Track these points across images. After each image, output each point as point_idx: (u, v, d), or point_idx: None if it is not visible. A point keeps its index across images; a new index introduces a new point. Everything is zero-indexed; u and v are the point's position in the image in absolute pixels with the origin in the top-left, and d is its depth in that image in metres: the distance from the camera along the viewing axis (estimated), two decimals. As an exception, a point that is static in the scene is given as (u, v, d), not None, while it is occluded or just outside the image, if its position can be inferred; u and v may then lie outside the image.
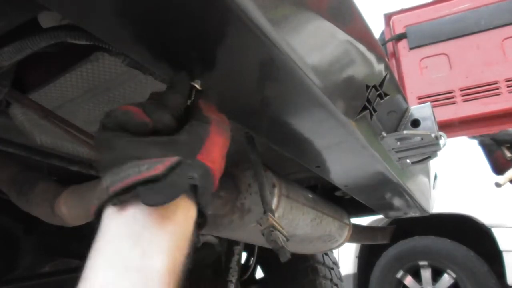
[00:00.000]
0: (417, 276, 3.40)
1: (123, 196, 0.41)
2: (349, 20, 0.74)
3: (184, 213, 0.45)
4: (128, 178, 0.41)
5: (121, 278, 0.37)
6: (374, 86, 0.85)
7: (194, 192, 0.46)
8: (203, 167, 0.47)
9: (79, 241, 1.76)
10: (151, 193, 0.41)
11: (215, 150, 0.50)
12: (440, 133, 0.99)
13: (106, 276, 0.38)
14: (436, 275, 3.32)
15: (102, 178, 0.44)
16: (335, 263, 2.33)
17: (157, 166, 0.42)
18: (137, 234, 0.40)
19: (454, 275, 3.19)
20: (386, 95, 0.90)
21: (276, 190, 1.03)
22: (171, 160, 0.43)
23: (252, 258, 2.21)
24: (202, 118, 0.52)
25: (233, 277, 1.85)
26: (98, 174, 1.21)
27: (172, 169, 0.42)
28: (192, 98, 0.55)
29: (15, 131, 0.96)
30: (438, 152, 1.05)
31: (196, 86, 0.56)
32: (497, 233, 3.15)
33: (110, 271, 0.38)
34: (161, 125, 0.49)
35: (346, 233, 1.51)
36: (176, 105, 0.52)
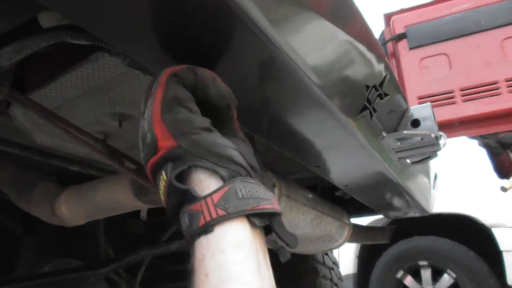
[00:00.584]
0: (417, 276, 3.40)
1: (257, 220, 0.45)
2: (349, 20, 0.74)
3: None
4: (265, 204, 0.46)
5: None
6: (374, 86, 0.85)
7: None
8: None
9: (79, 241, 1.76)
10: (282, 229, 0.48)
11: None
12: (440, 133, 0.99)
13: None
14: (436, 275, 3.32)
15: (221, 177, 0.46)
16: (335, 263, 2.33)
17: (274, 201, 0.48)
18: (259, 253, 0.45)
19: (454, 275, 3.19)
20: (386, 95, 0.90)
21: (276, 190, 1.03)
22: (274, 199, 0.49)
23: (252, 258, 2.21)
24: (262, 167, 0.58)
25: (233, 277, 1.84)
26: (98, 174, 1.21)
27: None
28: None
29: (15, 131, 0.96)
30: (438, 152, 1.05)
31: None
32: (497, 233, 3.15)
33: None
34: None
35: (346, 233, 1.51)
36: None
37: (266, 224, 0.45)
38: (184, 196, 0.44)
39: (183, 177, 0.45)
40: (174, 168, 0.45)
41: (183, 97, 0.48)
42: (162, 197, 0.47)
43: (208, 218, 0.41)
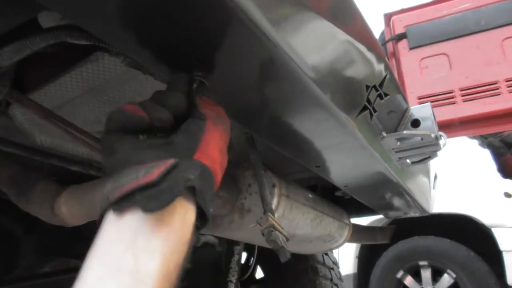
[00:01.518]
0: (417, 276, 3.40)
1: (122, 203, 0.42)
2: (349, 20, 0.74)
3: (182, 215, 0.45)
4: (127, 184, 0.42)
5: (112, 279, 0.38)
6: (374, 86, 0.85)
7: (193, 193, 0.46)
8: (200, 166, 0.47)
9: (79, 241, 1.76)
10: (148, 199, 0.41)
11: (212, 147, 0.50)
12: (440, 133, 0.99)
13: (98, 277, 0.38)
14: (436, 275, 3.32)
15: (104, 183, 0.45)
16: (335, 263, 2.33)
17: (153, 171, 0.42)
18: (132, 239, 0.41)
19: (454, 275, 3.19)
20: (386, 95, 0.90)
21: (276, 190, 1.03)
22: (166, 163, 0.43)
23: (252, 258, 2.21)
24: (198, 115, 0.52)
25: (233, 277, 1.85)
26: (98, 174, 1.21)
27: (167, 172, 0.42)
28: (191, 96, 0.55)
29: (15, 131, 0.96)
30: (438, 152, 1.05)
31: (195, 83, 0.55)
32: (497, 233, 3.15)
33: (102, 272, 0.39)
34: (158, 122, 0.49)
35: (346, 233, 1.51)
36: (175, 102, 0.52)
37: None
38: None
39: None
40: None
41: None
42: None
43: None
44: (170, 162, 0.43)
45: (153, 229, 0.42)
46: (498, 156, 1.01)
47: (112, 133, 0.49)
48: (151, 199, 0.41)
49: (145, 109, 0.49)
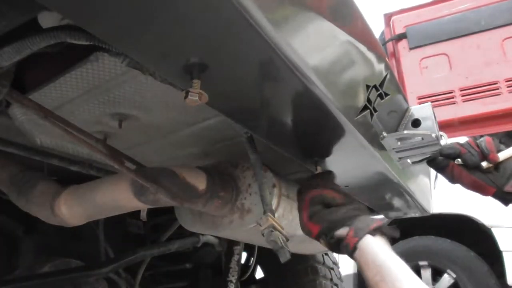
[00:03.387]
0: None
1: (375, 232, 0.80)
2: (350, 20, 0.74)
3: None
4: (375, 223, 0.80)
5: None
6: (375, 86, 0.85)
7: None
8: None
9: (79, 241, 1.76)
10: (387, 231, 0.83)
11: None
12: (441, 133, 0.99)
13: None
14: (436, 275, 3.32)
15: (346, 225, 0.80)
16: (335, 263, 2.33)
17: (378, 219, 0.82)
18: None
19: (454, 275, 3.19)
20: (386, 95, 0.90)
21: (276, 190, 1.03)
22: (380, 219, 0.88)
23: (252, 258, 2.21)
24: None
25: (233, 277, 1.85)
26: (98, 174, 1.21)
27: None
28: None
29: (15, 131, 0.96)
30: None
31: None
32: (497, 233, 3.15)
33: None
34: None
35: (346, 233, 1.50)
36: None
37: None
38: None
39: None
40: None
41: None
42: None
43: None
44: (381, 217, 0.86)
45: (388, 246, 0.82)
46: (442, 169, 0.99)
47: (317, 204, 0.87)
48: (387, 231, 0.83)
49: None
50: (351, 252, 0.79)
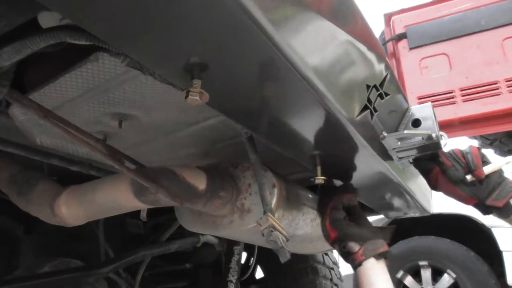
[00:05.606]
0: (417, 276, 3.40)
1: (380, 256, 0.93)
2: (350, 20, 0.74)
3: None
4: (381, 247, 0.94)
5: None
6: (375, 86, 0.85)
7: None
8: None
9: (79, 241, 1.76)
10: (389, 256, 0.96)
11: None
12: (441, 132, 0.99)
13: None
14: (436, 275, 3.32)
15: (359, 243, 0.94)
16: (335, 263, 2.33)
17: (385, 246, 0.96)
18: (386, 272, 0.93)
19: (454, 275, 3.19)
20: (386, 94, 0.90)
21: (276, 190, 1.03)
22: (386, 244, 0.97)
23: (252, 258, 2.21)
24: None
25: (233, 277, 1.85)
26: (98, 174, 1.21)
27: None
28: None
29: (15, 131, 0.96)
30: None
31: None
32: (497, 233, 3.15)
33: None
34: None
35: (346, 233, 1.50)
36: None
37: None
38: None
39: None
40: None
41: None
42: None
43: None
44: (381, 241, 0.96)
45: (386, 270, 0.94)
46: (426, 173, 0.97)
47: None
48: (389, 256, 0.96)
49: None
50: (355, 266, 0.93)
